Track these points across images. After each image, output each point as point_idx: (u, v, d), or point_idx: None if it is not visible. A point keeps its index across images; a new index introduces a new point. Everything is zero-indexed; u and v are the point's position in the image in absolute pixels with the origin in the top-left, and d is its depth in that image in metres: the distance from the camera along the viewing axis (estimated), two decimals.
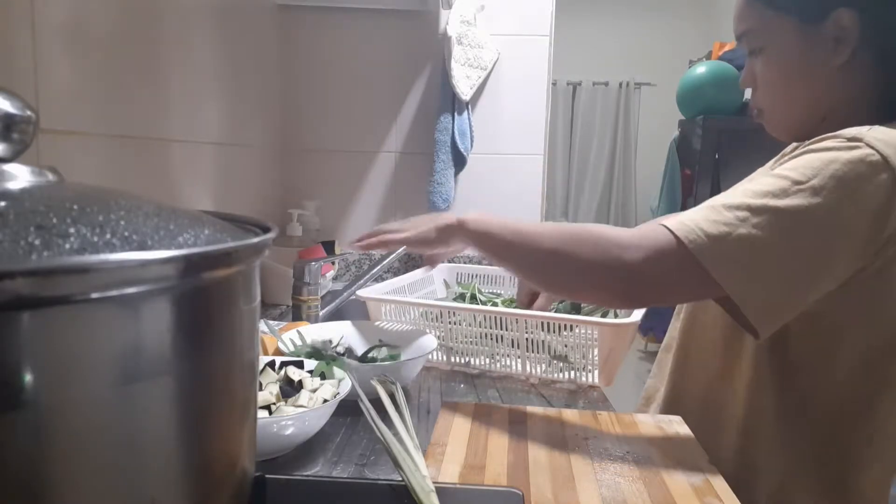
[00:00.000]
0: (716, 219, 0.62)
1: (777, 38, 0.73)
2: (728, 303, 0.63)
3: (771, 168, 0.80)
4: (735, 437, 0.78)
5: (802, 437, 0.74)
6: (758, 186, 0.64)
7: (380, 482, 0.54)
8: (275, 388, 0.67)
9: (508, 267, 0.77)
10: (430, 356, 0.87)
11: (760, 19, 0.74)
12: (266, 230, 0.39)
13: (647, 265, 0.64)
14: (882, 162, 0.60)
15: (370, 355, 0.88)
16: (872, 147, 0.61)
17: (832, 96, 0.73)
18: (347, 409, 0.70)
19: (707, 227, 0.62)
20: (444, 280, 1.29)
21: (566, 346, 0.92)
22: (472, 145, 1.56)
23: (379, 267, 1.21)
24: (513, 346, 0.95)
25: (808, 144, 0.66)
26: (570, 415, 0.76)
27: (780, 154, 0.85)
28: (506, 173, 1.63)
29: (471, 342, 0.97)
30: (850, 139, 0.63)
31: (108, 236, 0.29)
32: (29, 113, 0.33)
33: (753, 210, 0.62)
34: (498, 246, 0.75)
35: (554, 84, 2.83)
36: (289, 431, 0.62)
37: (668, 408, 0.88)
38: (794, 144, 0.84)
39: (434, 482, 0.52)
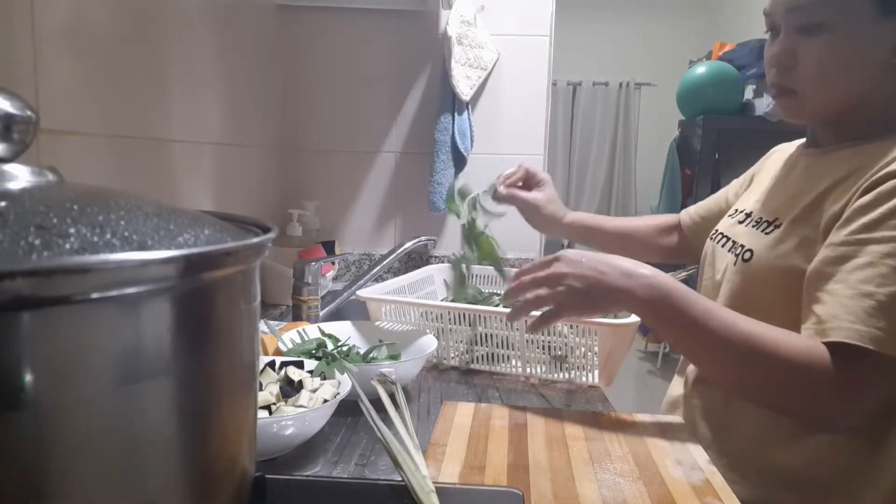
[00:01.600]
0: (868, 307, 0.62)
1: (847, 21, 0.70)
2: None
3: (808, 174, 0.78)
4: (801, 442, 0.74)
5: (858, 438, 0.72)
6: (883, 258, 0.63)
7: (380, 482, 0.54)
8: (275, 388, 0.67)
9: (684, 352, 0.74)
10: (430, 356, 0.87)
11: None
12: (266, 230, 0.39)
13: (842, 400, 0.64)
14: None
15: (370, 355, 0.88)
16: None
17: (870, 91, 0.73)
18: (347, 409, 0.70)
19: (874, 321, 0.61)
20: (444, 280, 1.29)
21: (566, 346, 0.92)
22: (472, 145, 1.56)
23: (379, 267, 1.22)
24: (510, 347, 0.95)
25: (884, 185, 0.65)
26: (570, 415, 0.76)
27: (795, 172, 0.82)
28: None
29: (471, 342, 0.97)
30: None
31: (108, 236, 0.29)
32: (29, 113, 0.33)
33: None
34: (670, 336, 0.71)
35: (554, 84, 2.83)
36: (289, 431, 0.62)
37: (723, 420, 0.82)
38: (815, 152, 0.81)
39: (434, 482, 0.52)
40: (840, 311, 0.63)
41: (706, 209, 1.09)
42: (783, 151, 0.92)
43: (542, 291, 0.73)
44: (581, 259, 0.72)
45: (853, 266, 0.65)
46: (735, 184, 1.04)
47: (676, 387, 0.93)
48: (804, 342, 0.65)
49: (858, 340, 0.61)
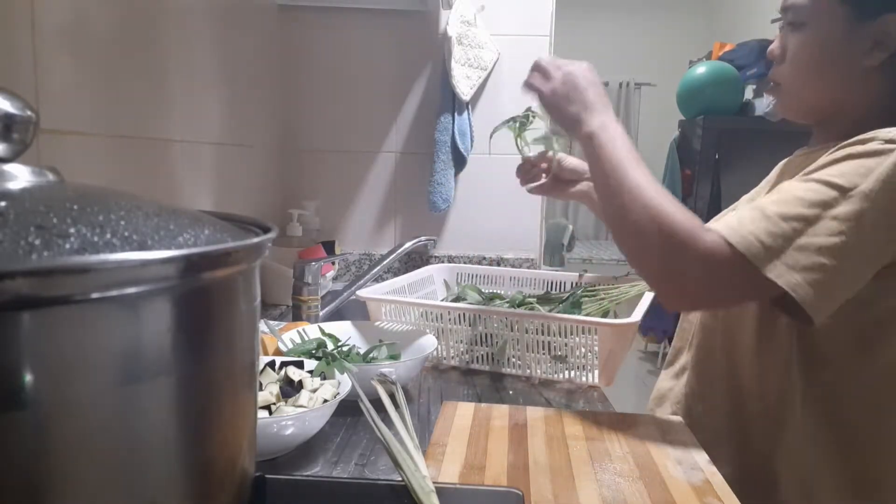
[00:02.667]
0: (773, 230, 0.65)
1: (824, 21, 0.74)
2: (781, 299, 0.66)
3: (794, 169, 0.80)
4: (763, 432, 0.79)
5: (832, 431, 0.74)
6: (807, 194, 0.66)
7: (380, 482, 0.54)
8: (275, 388, 0.67)
9: (600, 198, 0.76)
10: (430, 356, 0.87)
11: None
12: (266, 230, 0.39)
13: (705, 273, 0.66)
14: None
15: (370, 355, 0.88)
16: None
17: (850, 93, 0.75)
18: (347, 409, 0.70)
19: (765, 238, 0.65)
20: (445, 280, 1.29)
21: (566, 346, 0.92)
22: (472, 145, 1.56)
23: (379, 267, 1.22)
24: (511, 347, 0.95)
25: (845, 148, 0.68)
26: (570, 415, 0.76)
27: (796, 157, 0.85)
28: (506, 173, 1.62)
29: (471, 342, 0.97)
30: (887, 141, 0.65)
31: (108, 236, 0.29)
32: (29, 113, 0.33)
33: (809, 220, 0.65)
34: (597, 176, 0.75)
35: None
36: (289, 431, 0.62)
37: (690, 406, 0.87)
38: (805, 151, 0.83)
39: (434, 482, 0.52)
40: (734, 219, 0.67)
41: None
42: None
43: (536, 79, 0.83)
44: (576, 78, 0.79)
45: (781, 188, 0.70)
46: (760, 188, 1.04)
47: (663, 381, 0.95)
48: (699, 223, 0.68)
49: (733, 239, 0.65)
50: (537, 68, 0.83)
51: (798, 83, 0.78)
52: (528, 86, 0.83)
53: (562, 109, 0.79)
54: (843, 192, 0.65)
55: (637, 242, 0.70)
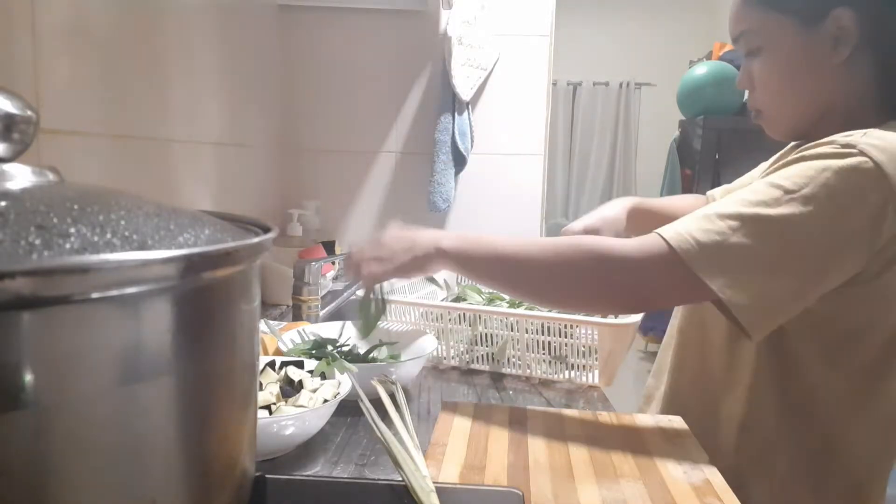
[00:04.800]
0: (708, 227, 0.63)
1: (776, 38, 0.73)
2: (721, 305, 0.64)
3: (767, 170, 0.80)
4: (735, 435, 0.78)
5: (801, 437, 0.74)
6: (751, 195, 0.64)
7: (380, 482, 0.54)
8: (275, 388, 0.67)
9: (496, 288, 0.76)
10: (430, 356, 0.87)
11: (758, 20, 0.74)
12: (266, 230, 0.39)
13: (642, 273, 0.65)
14: (875, 169, 0.60)
15: (370, 355, 0.88)
16: (866, 154, 0.61)
17: (831, 94, 0.73)
18: (347, 409, 0.70)
19: (699, 235, 0.63)
20: (444, 280, 1.29)
21: (566, 346, 0.92)
22: (472, 145, 1.56)
23: None
24: (510, 347, 0.95)
25: (803, 150, 0.66)
26: (570, 415, 0.76)
27: (780, 154, 0.85)
28: (506, 173, 1.63)
29: (471, 342, 0.97)
30: (843, 146, 0.63)
31: (109, 236, 0.29)
32: (29, 113, 0.33)
33: (745, 219, 0.62)
34: (482, 269, 0.74)
35: (554, 84, 2.83)
36: (289, 431, 0.62)
37: (668, 406, 0.88)
38: (793, 144, 0.83)
39: (434, 482, 0.52)
40: (689, 220, 0.66)
41: (729, 191, 1.07)
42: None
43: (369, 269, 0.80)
44: (379, 248, 0.80)
45: (733, 193, 0.68)
46: (760, 168, 1.02)
47: (650, 380, 0.96)
48: (642, 237, 0.67)
49: (672, 240, 0.63)
50: (350, 266, 0.82)
51: (776, 106, 0.77)
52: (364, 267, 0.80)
53: (405, 261, 0.77)
54: (787, 193, 0.62)
55: (571, 277, 0.69)
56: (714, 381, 0.82)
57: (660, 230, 0.66)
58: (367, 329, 0.89)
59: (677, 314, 0.93)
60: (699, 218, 0.65)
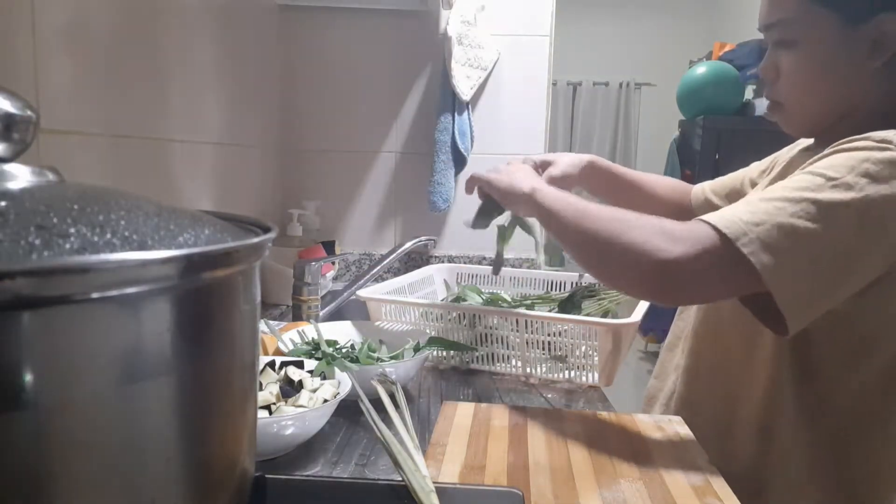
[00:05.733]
0: (754, 210, 0.63)
1: (815, 32, 0.71)
2: (754, 301, 0.64)
3: (765, 170, 0.80)
4: (751, 439, 0.78)
5: (819, 440, 0.74)
6: (793, 183, 0.65)
7: (380, 482, 0.54)
8: (275, 388, 0.67)
9: (565, 246, 0.74)
10: (430, 356, 0.87)
11: (799, 10, 0.72)
12: (266, 230, 0.39)
13: (687, 259, 0.63)
14: None
15: (370, 356, 0.88)
16: None
17: (858, 97, 0.73)
18: (347, 409, 0.70)
19: (746, 217, 0.63)
20: (445, 280, 1.29)
21: (566, 346, 0.92)
22: (472, 145, 1.56)
23: (379, 267, 1.21)
24: (510, 347, 0.95)
25: (839, 145, 0.66)
26: (570, 415, 0.76)
27: (779, 154, 0.85)
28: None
29: (471, 342, 0.97)
30: (879, 141, 0.63)
31: (109, 236, 0.29)
32: (29, 113, 0.33)
33: (791, 201, 0.63)
34: (559, 224, 0.73)
35: (554, 84, 2.83)
36: (289, 431, 0.62)
37: (682, 408, 0.87)
38: (799, 147, 0.83)
39: (434, 482, 0.52)
40: (732, 207, 0.66)
41: (721, 185, 1.06)
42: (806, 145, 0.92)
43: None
44: (498, 169, 0.88)
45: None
46: (756, 166, 1.01)
47: (653, 382, 0.96)
48: (689, 222, 0.66)
49: (721, 225, 0.62)
50: (469, 180, 0.91)
51: (800, 101, 0.76)
52: (478, 184, 0.90)
53: (504, 189, 0.83)
54: (829, 180, 0.63)
55: (617, 246, 0.67)
56: (731, 383, 0.81)
57: (705, 217, 0.65)
58: (484, 222, 0.96)
59: (682, 314, 0.93)
60: (742, 204, 0.65)
